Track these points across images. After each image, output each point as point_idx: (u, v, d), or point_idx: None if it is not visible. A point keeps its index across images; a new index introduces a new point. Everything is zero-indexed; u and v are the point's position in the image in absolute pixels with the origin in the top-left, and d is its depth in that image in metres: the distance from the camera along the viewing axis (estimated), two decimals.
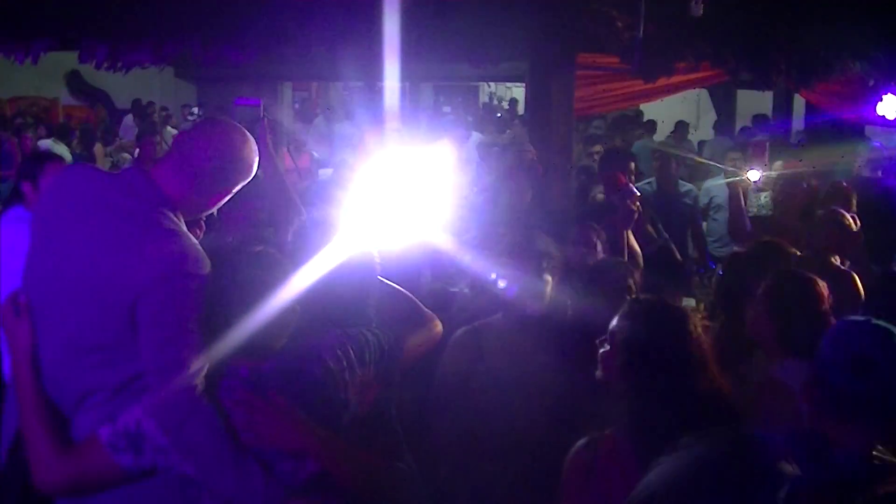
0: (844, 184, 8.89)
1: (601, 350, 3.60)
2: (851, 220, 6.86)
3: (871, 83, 10.00)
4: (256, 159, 3.67)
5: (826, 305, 4.68)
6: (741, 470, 2.14)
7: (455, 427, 4.65)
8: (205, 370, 3.27)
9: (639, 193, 6.86)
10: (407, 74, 21.64)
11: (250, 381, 3.35)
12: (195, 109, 18.93)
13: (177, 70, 19.81)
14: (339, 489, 3.42)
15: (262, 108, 4.27)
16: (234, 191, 3.68)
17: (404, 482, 3.63)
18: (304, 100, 24.85)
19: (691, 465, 2.22)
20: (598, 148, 14.37)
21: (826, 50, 9.54)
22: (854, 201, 8.27)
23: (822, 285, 4.77)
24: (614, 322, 3.57)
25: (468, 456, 4.63)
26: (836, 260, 6.63)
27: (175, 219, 3.48)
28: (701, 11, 7.74)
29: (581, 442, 3.63)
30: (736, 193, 7.53)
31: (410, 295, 4.18)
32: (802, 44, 9.30)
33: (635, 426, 3.37)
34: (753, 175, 7.72)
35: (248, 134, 3.69)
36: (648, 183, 10.76)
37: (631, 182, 8.17)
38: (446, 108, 27.45)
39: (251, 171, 3.66)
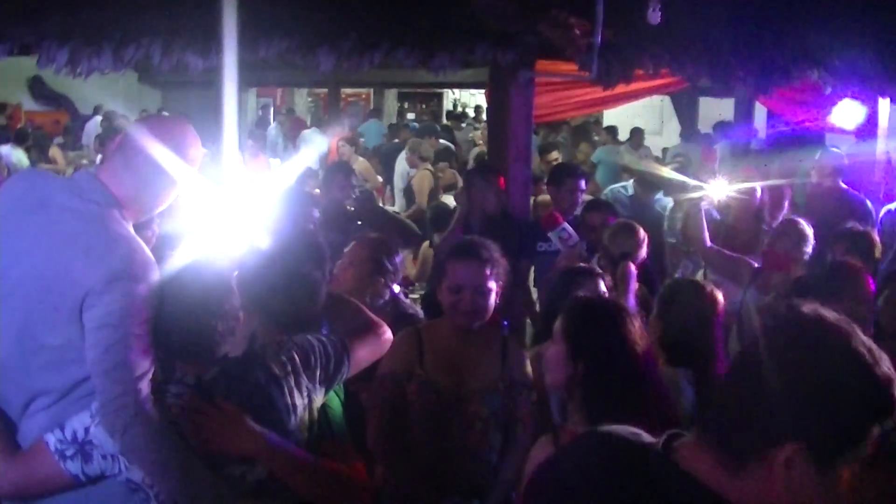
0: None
1: (548, 354, 3.63)
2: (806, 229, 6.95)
3: (828, 90, 10.06)
4: (197, 151, 3.67)
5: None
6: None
7: (390, 427, 4.69)
8: (150, 374, 3.27)
9: (577, 238, 6.93)
10: (369, 81, 21.58)
11: (197, 388, 3.35)
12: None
13: (140, 76, 19.71)
14: (288, 494, 3.43)
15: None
16: (181, 184, 3.67)
17: (352, 486, 3.64)
18: (265, 106, 24.80)
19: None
20: (554, 155, 14.43)
21: (784, 57, 9.60)
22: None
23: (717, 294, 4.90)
24: (557, 323, 3.61)
25: (404, 457, 4.66)
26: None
27: (124, 221, 3.48)
28: (659, 18, 7.76)
29: (544, 437, 3.68)
30: (696, 211, 7.51)
31: (359, 302, 4.19)
32: (760, 51, 9.35)
33: (591, 419, 3.39)
34: (716, 190, 7.70)
35: (188, 125, 3.69)
36: (623, 187, 10.84)
37: (582, 194, 8.25)
38: (410, 115, 27.52)
39: (192, 163, 3.65)
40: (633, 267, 6.31)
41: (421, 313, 6.10)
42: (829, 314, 2.06)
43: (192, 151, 3.63)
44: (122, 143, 3.62)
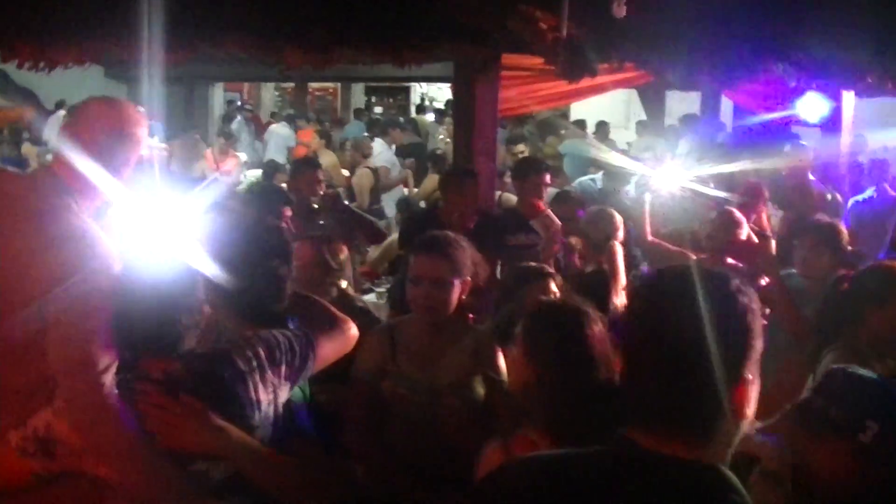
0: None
1: (509, 357, 3.64)
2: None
3: (793, 84, 10.11)
4: (143, 130, 3.65)
5: None
6: None
7: (367, 425, 4.70)
8: (114, 369, 3.26)
9: (559, 224, 6.95)
10: (337, 76, 21.52)
11: (162, 383, 3.34)
12: None
13: (107, 70, 19.60)
14: (252, 491, 3.42)
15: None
16: (131, 163, 3.65)
17: (319, 483, 3.63)
18: (230, 101, 24.70)
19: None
20: (521, 148, 14.45)
21: (748, 51, 9.64)
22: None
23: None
24: (519, 326, 3.61)
25: (383, 454, 4.68)
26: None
27: (83, 211, 3.46)
28: (624, 13, 7.78)
29: (493, 443, 3.67)
30: (640, 204, 7.53)
31: (323, 301, 4.18)
32: (725, 45, 9.39)
33: (552, 425, 3.40)
34: (663, 182, 7.73)
35: (130, 105, 3.68)
36: (592, 180, 10.88)
37: (546, 188, 8.27)
38: (378, 109, 27.49)
39: (138, 141, 3.64)
40: (619, 246, 6.34)
41: (370, 308, 6.13)
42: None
43: (138, 130, 3.61)
44: (66, 129, 3.59)
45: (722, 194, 8.50)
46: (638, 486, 2.19)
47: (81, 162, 3.51)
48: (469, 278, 4.74)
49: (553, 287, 5.42)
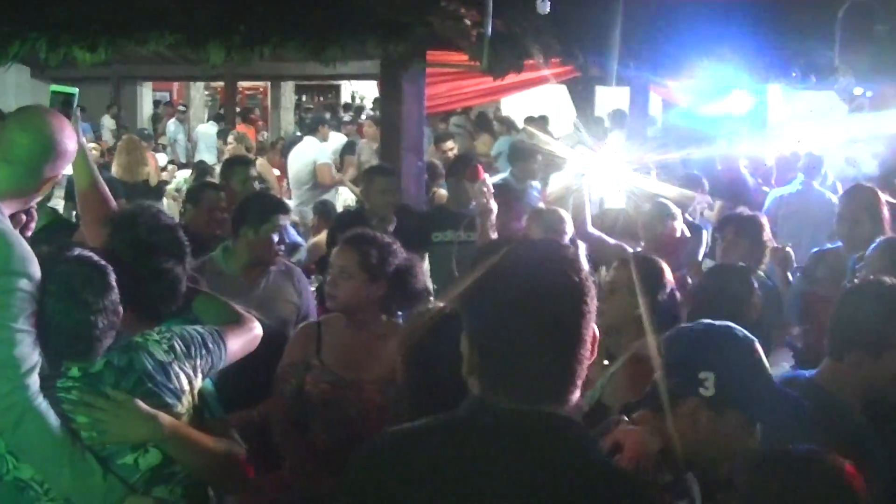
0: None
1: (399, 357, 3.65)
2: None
3: (719, 80, 10.24)
4: (72, 142, 3.63)
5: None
6: None
7: (290, 420, 4.77)
8: (37, 369, 3.23)
9: (492, 189, 6.93)
10: (266, 74, 21.42)
11: (83, 380, 3.33)
12: None
13: (32, 71, 19.41)
14: (179, 479, 3.45)
15: (76, 97, 4.20)
16: (57, 176, 3.63)
17: (242, 465, 3.65)
18: (157, 101, 24.53)
19: None
20: (450, 145, 14.41)
21: (674, 47, 9.74)
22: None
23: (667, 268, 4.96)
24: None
25: (306, 448, 4.74)
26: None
27: (3, 215, 3.43)
28: (548, 8, 7.83)
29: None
30: (579, 202, 7.48)
31: (226, 299, 4.18)
32: (651, 41, 9.48)
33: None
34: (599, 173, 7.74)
35: (60, 117, 3.66)
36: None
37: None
38: (309, 107, 27.42)
39: (67, 154, 3.61)
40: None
41: None
42: None
43: (66, 140, 3.59)
44: None
45: (658, 186, 8.54)
46: (494, 439, 2.27)
47: (6, 167, 3.48)
48: (384, 281, 4.78)
49: None
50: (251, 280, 5.78)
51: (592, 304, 2.33)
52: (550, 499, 2.23)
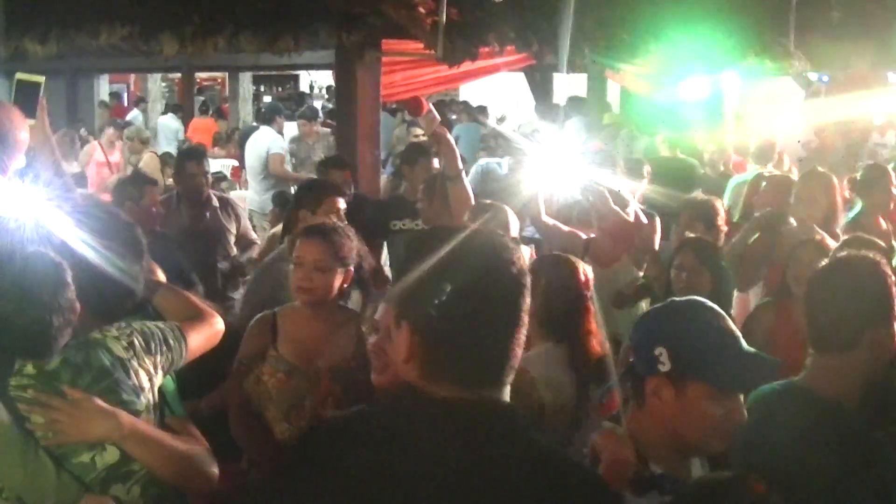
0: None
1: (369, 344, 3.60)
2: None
3: (675, 66, 10.28)
4: (24, 133, 3.60)
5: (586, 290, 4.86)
6: None
7: (246, 410, 4.77)
8: None
9: (439, 118, 6.96)
10: (223, 65, 21.27)
11: (39, 378, 3.30)
12: None
13: None
14: (136, 477, 3.40)
15: (41, 86, 4.16)
16: (9, 168, 3.60)
17: (206, 464, 3.63)
18: (113, 93, 24.31)
19: None
20: (419, 131, 14.38)
21: (629, 34, 9.76)
22: None
23: (584, 269, 4.95)
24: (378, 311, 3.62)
25: (263, 439, 4.72)
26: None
27: None
28: None
29: None
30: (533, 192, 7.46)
31: (188, 294, 4.16)
32: (606, 28, 9.50)
33: None
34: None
35: (11, 108, 3.63)
36: (498, 163, 10.93)
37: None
38: (267, 98, 27.31)
39: (18, 146, 3.58)
40: None
41: None
42: None
43: (14, 132, 3.56)
44: None
45: (612, 174, 8.54)
46: (437, 428, 2.27)
47: None
48: (352, 268, 4.81)
49: None
50: None
51: (528, 293, 2.39)
52: (499, 488, 2.22)
